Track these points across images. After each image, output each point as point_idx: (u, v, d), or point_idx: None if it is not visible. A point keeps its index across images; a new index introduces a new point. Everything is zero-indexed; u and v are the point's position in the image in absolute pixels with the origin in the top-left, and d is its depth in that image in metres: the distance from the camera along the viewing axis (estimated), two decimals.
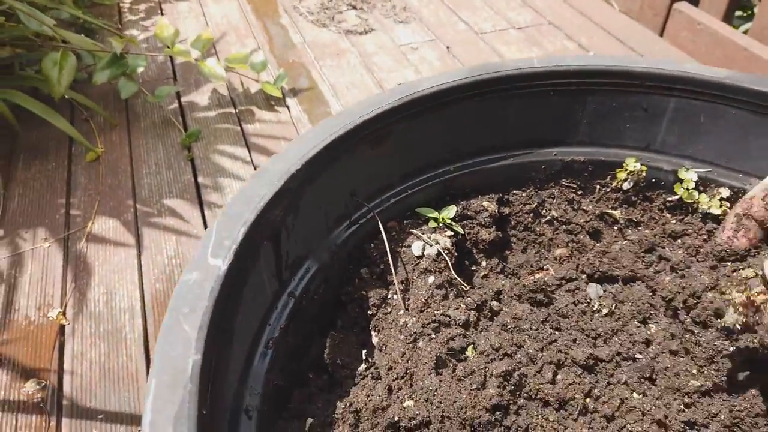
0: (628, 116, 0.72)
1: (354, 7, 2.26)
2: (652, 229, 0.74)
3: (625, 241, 0.73)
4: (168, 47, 1.61)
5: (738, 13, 2.16)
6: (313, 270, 0.61)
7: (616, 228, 0.75)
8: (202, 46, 1.66)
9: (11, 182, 1.49)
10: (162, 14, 2.27)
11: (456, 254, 0.69)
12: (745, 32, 1.86)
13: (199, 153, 1.63)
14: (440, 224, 0.71)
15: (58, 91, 1.45)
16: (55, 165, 1.55)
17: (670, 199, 0.75)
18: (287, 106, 1.80)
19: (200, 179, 1.54)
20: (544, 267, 0.72)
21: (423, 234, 0.69)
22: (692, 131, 0.71)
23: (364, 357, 0.59)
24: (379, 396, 0.53)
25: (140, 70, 1.70)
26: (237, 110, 1.79)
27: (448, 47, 2.04)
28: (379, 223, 0.66)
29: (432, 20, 2.20)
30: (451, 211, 0.71)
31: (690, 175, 0.72)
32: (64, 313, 1.18)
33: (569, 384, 0.54)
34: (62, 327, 1.15)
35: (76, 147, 1.61)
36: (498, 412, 0.51)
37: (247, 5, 2.34)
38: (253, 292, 0.51)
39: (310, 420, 0.53)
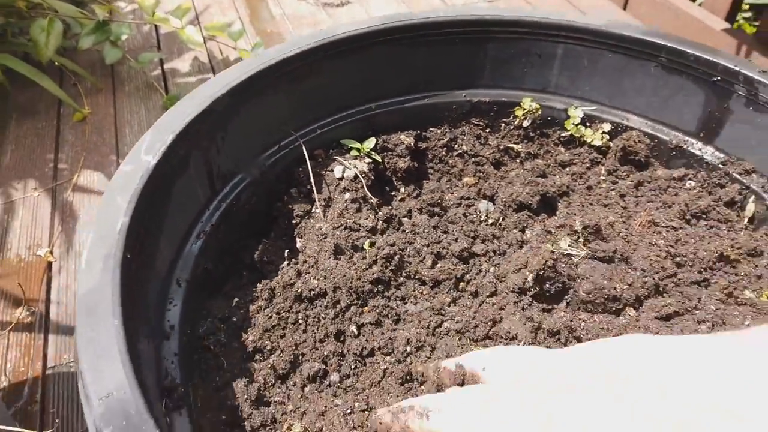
0: (525, 61, 0.84)
1: None
2: (547, 161, 0.86)
3: (522, 170, 0.85)
4: (149, 15, 1.71)
5: None
6: (244, 183, 0.73)
7: (517, 160, 0.87)
8: (181, 14, 1.76)
9: (4, 139, 1.61)
10: None
11: (373, 178, 0.81)
12: (700, 5, 1.96)
13: None
14: (361, 153, 0.83)
15: (46, 55, 1.56)
16: (44, 124, 1.67)
17: (563, 135, 0.86)
18: None
19: None
20: (454, 192, 0.84)
21: (345, 161, 0.81)
22: (579, 74, 0.83)
23: (286, 256, 0.72)
24: (289, 277, 0.65)
25: (124, 37, 1.81)
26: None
27: None
28: (304, 149, 0.78)
29: None
30: (371, 143, 0.83)
31: (577, 113, 0.84)
32: (51, 252, 1.31)
33: (445, 269, 0.66)
34: (50, 264, 1.28)
35: (65, 108, 1.73)
36: (380, 285, 0.64)
37: None
38: (185, 190, 0.63)
39: (236, 299, 0.66)
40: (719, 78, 0.73)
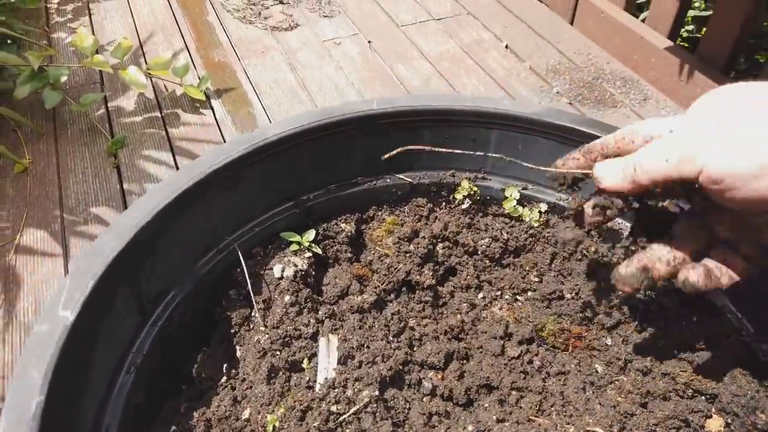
0: (460, 145, 0.83)
1: (281, 2, 2.31)
2: (486, 230, 0.86)
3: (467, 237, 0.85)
4: (87, 57, 1.66)
5: None
6: (177, 299, 0.71)
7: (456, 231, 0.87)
8: (121, 54, 1.71)
9: None
10: (90, 14, 2.29)
11: (314, 273, 0.81)
12: (644, 20, 1.98)
13: (124, 159, 1.70)
14: (301, 246, 0.82)
15: None
16: None
17: (503, 212, 0.87)
18: (212, 108, 1.87)
19: (126, 186, 1.62)
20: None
21: (285, 257, 0.80)
22: (514, 157, 0.83)
23: (225, 370, 0.71)
24: (224, 407, 0.64)
25: (64, 78, 1.75)
26: (163, 114, 1.85)
27: (369, 41, 2.12)
28: (239, 253, 0.76)
29: (356, 13, 2.27)
30: (310, 235, 0.82)
31: (514, 194, 0.84)
32: None
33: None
34: None
35: (4, 159, 1.67)
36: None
37: (174, 1, 2.36)
38: (112, 330, 0.61)
39: (173, 428, 0.65)
40: None
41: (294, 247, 0.82)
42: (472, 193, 0.85)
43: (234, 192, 0.75)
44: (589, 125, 0.76)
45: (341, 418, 0.59)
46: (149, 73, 1.82)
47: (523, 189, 0.85)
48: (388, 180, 0.86)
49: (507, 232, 0.84)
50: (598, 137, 0.74)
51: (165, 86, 1.91)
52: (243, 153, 0.73)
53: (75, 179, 1.60)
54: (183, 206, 0.68)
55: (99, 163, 1.65)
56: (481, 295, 0.81)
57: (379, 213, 0.88)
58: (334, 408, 0.59)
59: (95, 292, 0.57)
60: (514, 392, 0.67)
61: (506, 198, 0.85)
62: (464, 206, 0.86)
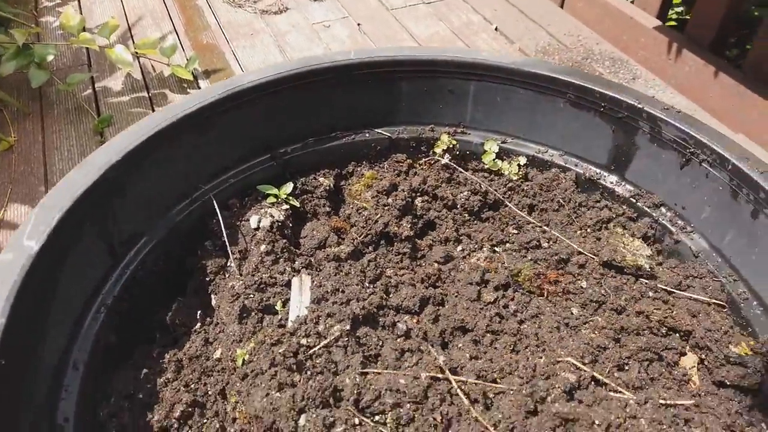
0: (439, 98, 0.83)
1: None
2: (465, 184, 0.85)
3: (446, 191, 0.84)
4: (74, 36, 1.65)
5: None
6: (151, 245, 0.71)
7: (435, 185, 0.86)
8: (108, 32, 1.70)
9: None
10: None
11: (291, 225, 0.80)
12: (633, 2, 1.98)
13: (111, 138, 1.68)
14: (279, 199, 0.81)
15: None
16: None
17: (483, 166, 0.86)
18: (199, 88, 1.86)
19: None
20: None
21: (262, 208, 0.79)
22: (492, 109, 0.82)
23: (199, 317, 0.70)
24: (196, 347, 0.64)
25: (50, 58, 1.73)
26: (150, 94, 1.84)
27: (359, 24, 2.11)
28: (215, 202, 0.76)
29: None
30: (288, 188, 0.82)
31: (493, 147, 0.83)
32: None
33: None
34: None
35: None
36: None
37: None
38: (79, 267, 0.61)
39: (144, 370, 0.64)
40: (624, 114, 0.73)
41: (271, 199, 0.81)
42: (451, 146, 0.85)
43: (208, 137, 0.75)
44: (568, 74, 0.76)
45: (311, 351, 0.58)
46: (137, 53, 1.81)
47: (502, 143, 0.84)
48: (366, 134, 0.86)
49: (486, 186, 0.84)
50: (580, 87, 0.74)
51: (153, 66, 1.90)
52: (218, 98, 0.72)
53: (60, 156, 1.59)
54: (154, 147, 0.68)
55: (85, 141, 1.64)
56: (460, 248, 0.81)
57: (359, 168, 0.87)
58: (304, 341, 0.59)
59: (61, 225, 0.57)
60: (488, 334, 0.67)
61: (485, 152, 0.84)
62: (443, 161, 0.86)
